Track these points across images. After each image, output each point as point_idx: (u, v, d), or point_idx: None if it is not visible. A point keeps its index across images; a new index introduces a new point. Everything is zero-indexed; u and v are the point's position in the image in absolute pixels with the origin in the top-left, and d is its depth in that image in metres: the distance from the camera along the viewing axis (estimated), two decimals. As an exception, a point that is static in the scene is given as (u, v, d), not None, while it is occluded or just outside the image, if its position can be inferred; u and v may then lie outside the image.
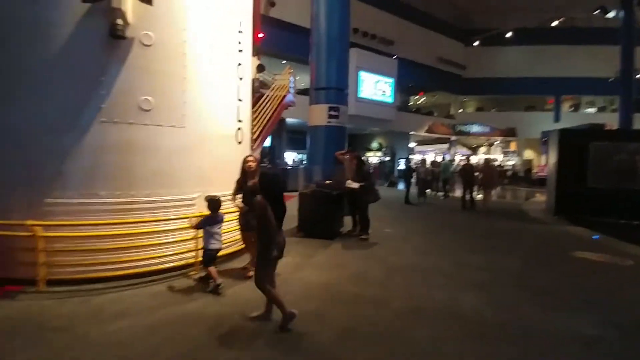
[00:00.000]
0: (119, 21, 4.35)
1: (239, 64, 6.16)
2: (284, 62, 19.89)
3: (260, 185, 3.48)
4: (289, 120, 20.31)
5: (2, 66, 4.35)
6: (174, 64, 4.95)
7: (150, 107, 4.71)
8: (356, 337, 3.35)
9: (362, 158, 7.85)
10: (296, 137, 27.81)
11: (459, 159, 27.44)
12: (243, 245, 5.99)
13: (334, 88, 8.78)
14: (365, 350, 3.12)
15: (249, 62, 6.78)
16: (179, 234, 4.89)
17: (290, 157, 27.33)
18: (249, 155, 4.75)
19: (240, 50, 6.19)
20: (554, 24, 24.10)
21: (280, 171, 9.77)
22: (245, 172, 4.79)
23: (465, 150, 31.60)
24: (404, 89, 28.85)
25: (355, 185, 7.04)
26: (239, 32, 6.12)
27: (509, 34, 24.77)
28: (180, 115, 5.00)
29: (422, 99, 34.81)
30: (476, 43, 27.51)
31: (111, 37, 4.38)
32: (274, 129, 11.22)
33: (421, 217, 10.68)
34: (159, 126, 4.80)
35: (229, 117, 5.89)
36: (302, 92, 16.57)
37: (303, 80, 18.95)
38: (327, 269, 5.35)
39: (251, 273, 4.41)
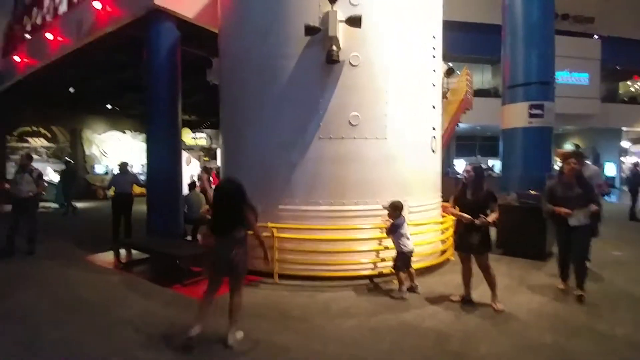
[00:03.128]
0: (334, 47, 4.86)
1: (433, 70, 6.03)
2: (450, 63, 18.80)
3: (216, 195, 3.45)
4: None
5: (249, 94, 5.48)
6: (377, 79, 5.20)
7: (357, 122, 5.07)
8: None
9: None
10: (465, 144, 25.85)
11: None
12: (441, 259, 5.76)
13: (536, 82, 7.61)
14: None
15: (440, 68, 6.57)
16: (385, 241, 5.05)
17: (460, 165, 25.48)
18: (469, 165, 4.38)
19: (433, 57, 6.06)
20: None
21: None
22: (464, 183, 4.22)
23: None
24: (610, 74, 22.99)
25: (582, 218, 4.20)
26: (433, 37, 6.00)
27: None
28: (383, 127, 5.19)
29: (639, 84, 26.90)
30: None
31: (327, 62, 4.93)
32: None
33: (664, 238, 8.06)
34: (364, 139, 5.11)
35: (423, 126, 5.79)
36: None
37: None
38: (550, 295, 4.52)
39: (500, 306, 4.03)
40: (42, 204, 13.48)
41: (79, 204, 14.08)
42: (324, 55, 4.96)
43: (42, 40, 9.52)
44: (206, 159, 19.43)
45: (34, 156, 16.64)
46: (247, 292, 4.69)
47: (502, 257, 6.20)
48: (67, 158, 14.58)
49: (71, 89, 13.51)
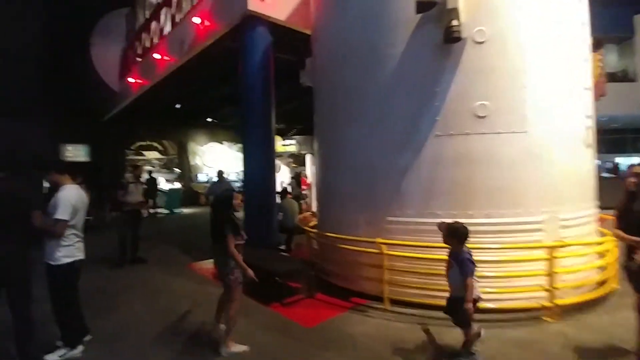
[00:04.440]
0: (454, 22, 3.95)
1: (583, 42, 4.69)
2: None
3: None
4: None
5: (349, 91, 4.84)
6: (510, 57, 4.12)
7: (486, 113, 4.05)
8: None
9: None
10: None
11: None
12: (602, 292, 4.32)
13: None
14: None
15: (589, 39, 5.13)
16: (526, 266, 3.92)
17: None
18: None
19: (582, 23, 4.72)
20: None
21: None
22: (632, 192, 3.02)
23: None
24: None
25: None
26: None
27: None
28: (521, 118, 4.08)
29: None
30: None
31: (445, 41, 4.04)
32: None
33: None
34: (497, 134, 4.06)
35: (575, 113, 4.49)
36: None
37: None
38: None
39: None
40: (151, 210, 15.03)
41: (187, 210, 15.27)
42: (439, 35, 4.09)
43: (151, 61, 10.34)
44: (294, 165, 19.69)
45: (149, 168, 18.71)
46: (355, 318, 4.08)
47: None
48: (150, 169, 15.99)
49: (177, 105, 14.72)
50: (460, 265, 2.99)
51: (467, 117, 4.08)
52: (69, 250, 2.98)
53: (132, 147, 18.06)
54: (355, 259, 4.60)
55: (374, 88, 4.58)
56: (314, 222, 6.37)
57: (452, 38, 3.96)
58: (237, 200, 3.57)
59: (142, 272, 6.25)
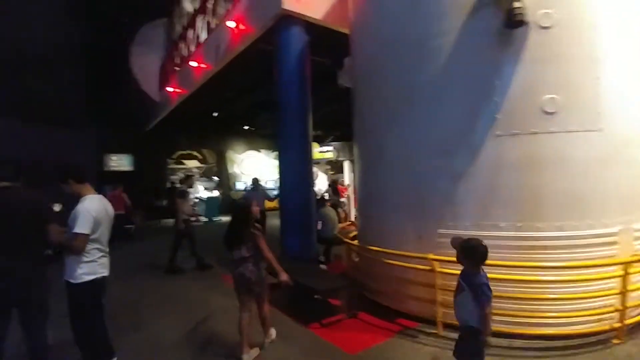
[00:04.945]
0: (517, 4, 3.41)
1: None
2: None
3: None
4: None
5: (394, 89, 4.41)
6: (581, 43, 3.54)
7: (556, 109, 3.46)
8: None
9: None
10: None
11: None
12: None
13: None
14: None
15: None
16: (597, 284, 3.30)
17: None
18: None
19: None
20: None
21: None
22: None
23: None
24: None
25: None
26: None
27: None
28: (595, 114, 3.47)
29: None
30: None
31: (506, 27, 3.51)
32: None
33: None
34: (568, 132, 3.46)
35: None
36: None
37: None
38: None
39: None
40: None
41: (225, 218, 15.36)
42: (498, 19, 3.57)
43: (189, 69, 10.45)
44: (332, 172, 19.34)
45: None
46: (404, 345, 3.61)
47: None
48: (183, 177, 16.26)
49: (215, 114, 14.89)
50: (475, 292, 2.45)
51: (533, 113, 3.51)
52: (91, 267, 2.70)
53: (173, 157, 18.56)
54: (402, 276, 4.13)
55: (423, 84, 4.10)
56: (354, 233, 5.94)
57: (514, 22, 3.43)
58: (255, 208, 3.50)
59: (176, 283, 6.12)
